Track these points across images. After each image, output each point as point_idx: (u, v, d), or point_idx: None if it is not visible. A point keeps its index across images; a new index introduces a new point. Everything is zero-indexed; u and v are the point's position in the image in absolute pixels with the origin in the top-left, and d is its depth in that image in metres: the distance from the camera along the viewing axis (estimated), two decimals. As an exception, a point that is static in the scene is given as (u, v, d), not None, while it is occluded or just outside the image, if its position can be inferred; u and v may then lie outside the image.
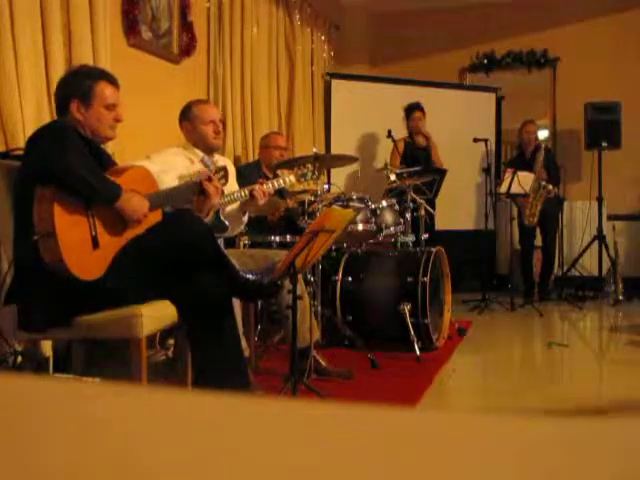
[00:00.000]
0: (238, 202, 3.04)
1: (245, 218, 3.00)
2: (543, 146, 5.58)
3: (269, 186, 2.91)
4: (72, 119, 2.20)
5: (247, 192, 2.85)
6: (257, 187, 2.84)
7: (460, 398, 3.02)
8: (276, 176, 3.49)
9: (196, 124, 2.95)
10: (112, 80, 2.28)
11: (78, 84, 2.22)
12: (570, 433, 0.29)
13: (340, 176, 5.83)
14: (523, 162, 5.66)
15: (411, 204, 4.01)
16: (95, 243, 2.05)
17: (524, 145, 5.79)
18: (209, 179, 2.49)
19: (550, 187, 5.45)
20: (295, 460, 0.27)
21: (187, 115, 2.99)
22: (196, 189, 2.47)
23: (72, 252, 1.96)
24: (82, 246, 2.02)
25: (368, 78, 6.40)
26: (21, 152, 2.23)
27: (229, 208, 3.02)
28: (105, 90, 2.24)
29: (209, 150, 2.98)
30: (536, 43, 6.53)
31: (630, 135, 5.82)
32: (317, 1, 5.95)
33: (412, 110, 5.29)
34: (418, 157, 5.18)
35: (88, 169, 2.02)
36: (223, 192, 2.80)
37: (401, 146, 5.16)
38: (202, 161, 2.94)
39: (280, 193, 3.72)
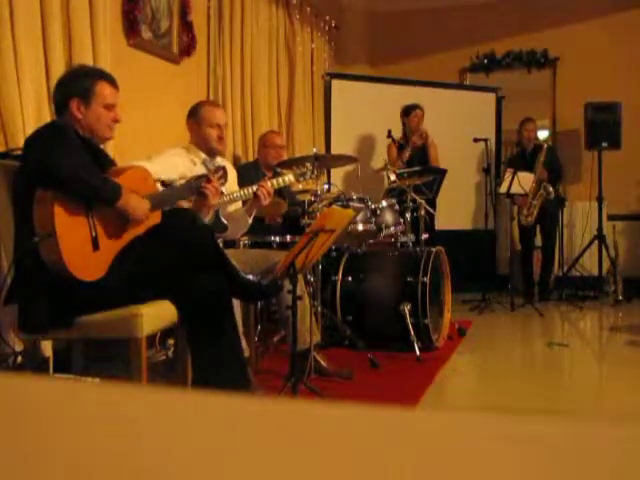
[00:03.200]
0: (240, 203, 3.05)
1: (250, 220, 3.01)
2: (545, 146, 5.56)
3: (272, 183, 2.92)
4: (71, 118, 2.20)
5: (250, 191, 2.85)
6: (261, 187, 2.84)
7: (460, 398, 3.02)
8: (276, 175, 3.50)
9: (202, 125, 2.95)
10: (111, 80, 2.29)
11: (78, 83, 2.22)
12: (569, 433, 0.29)
13: (340, 176, 5.83)
14: (523, 161, 5.65)
15: (411, 204, 4.01)
16: (95, 244, 2.05)
17: (524, 143, 5.78)
18: (208, 180, 2.50)
19: (550, 189, 5.44)
20: (295, 460, 0.27)
21: (195, 114, 3.00)
22: (195, 190, 2.47)
23: (72, 254, 1.96)
24: (82, 248, 2.02)
25: (368, 78, 6.40)
26: (21, 152, 2.23)
27: (232, 209, 3.03)
28: (104, 90, 2.24)
29: (211, 153, 2.99)
30: (536, 43, 6.53)
31: (630, 135, 5.81)
32: (317, 1, 5.94)
33: (413, 108, 5.25)
34: (414, 156, 5.16)
35: (87, 170, 2.02)
36: (222, 192, 2.81)
37: (393, 150, 5.15)
38: (204, 163, 2.95)
39: (280, 193, 3.72)
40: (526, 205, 5.49)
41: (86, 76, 2.24)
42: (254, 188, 2.86)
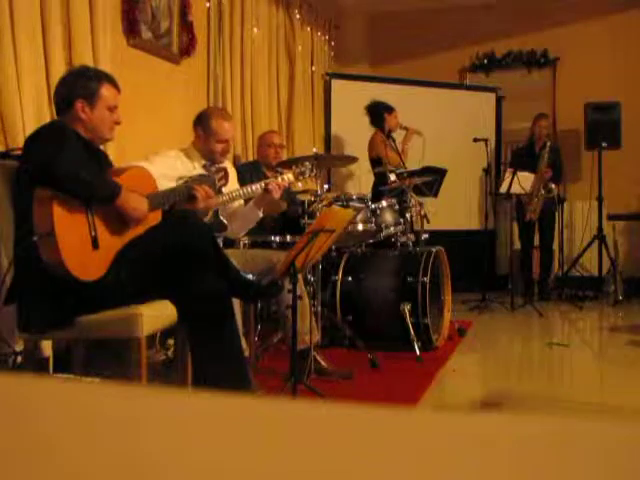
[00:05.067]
0: (242, 201, 3.06)
1: (261, 214, 3.02)
2: (549, 145, 5.55)
3: (283, 179, 2.94)
4: (74, 118, 2.21)
5: (251, 190, 2.87)
6: (272, 181, 2.88)
7: (460, 398, 3.02)
8: (276, 174, 3.50)
9: (210, 138, 2.94)
10: (114, 83, 2.31)
11: (84, 85, 2.23)
12: (570, 433, 0.29)
13: (340, 176, 5.83)
14: (530, 155, 5.65)
15: (411, 204, 4.01)
16: (95, 244, 2.05)
17: (535, 139, 5.77)
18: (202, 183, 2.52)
19: (552, 186, 5.44)
20: (295, 460, 0.27)
21: (204, 124, 2.97)
22: (191, 191, 2.47)
23: (72, 253, 1.96)
24: (82, 246, 2.02)
25: (368, 78, 6.40)
26: (20, 152, 2.23)
27: (236, 205, 3.03)
28: (109, 92, 2.26)
29: (212, 161, 3.00)
30: (536, 43, 6.53)
31: (630, 135, 5.81)
32: (317, 1, 5.94)
33: (390, 109, 5.15)
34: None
35: (86, 169, 2.03)
36: (222, 192, 2.81)
37: (381, 139, 5.06)
38: (204, 167, 2.95)
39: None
40: (531, 200, 5.48)
41: (91, 78, 2.26)
42: (262, 184, 2.88)
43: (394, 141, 5.02)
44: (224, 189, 2.87)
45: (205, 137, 2.96)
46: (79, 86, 2.23)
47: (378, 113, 5.10)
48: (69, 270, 1.95)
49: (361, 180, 5.76)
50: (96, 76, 2.28)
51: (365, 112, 5.13)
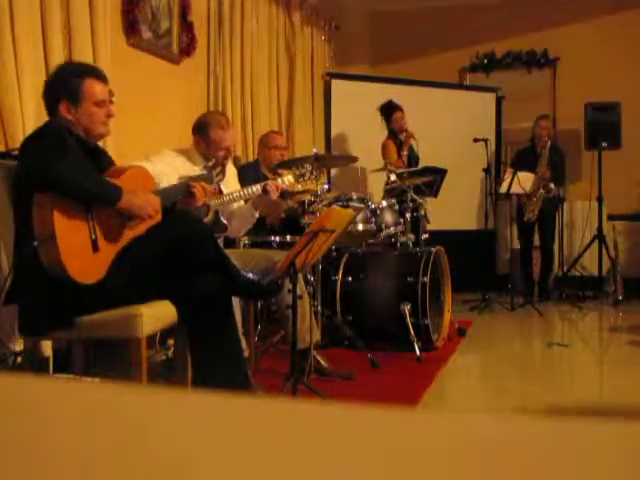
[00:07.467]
0: (242, 202, 3.06)
1: (257, 214, 3.03)
2: (549, 144, 5.55)
3: (283, 181, 2.94)
4: (64, 119, 2.17)
5: (251, 191, 2.88)
6: (270, 182, 2.88)
7: (460, 398, 3.02)
8: (276, 175, 3.50)
9: (211, 147, 2.92)
10: (99, 75, 2.21)
11: (64, 84, 2.16)
12: (570, 434, 0.29)
13: (340, 176, 5.83)
14: (533, 156, 5.64)
15: (411, 204, 4.01)
16: (95, 247, 2.05)
17: (536, 140, 5.77)
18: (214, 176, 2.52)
19: (552, 186, 5.44)
20: (295, 460, 0.27)
21: (203, 133, 2.94)
22: (188, 188, 2.47)
23: (72, 256, 1.96)
24: (82, 250, 2.01)
25: (368, 78, 6.40)
26: (18, 153, 2.21)
27: (236, 206, 3.04)
28: (93, 87, 2.17)
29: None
30: (536, 43, 6.52)
31: (630, 135, 5.81)
32: (317, 1, 5.95)
33: (393, 110, 5.16)
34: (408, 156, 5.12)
35: (85, 174, 2.00)
36: (221, 191, 2.81)
37: (393, 149, 5.08)
38: (205, 167, 2.95)
39: (281, 193, 3.72)
40: (529, 201, 5.49)
41: (72, 75, 2.17)
42: (260, 186, 2.89)
43: (401, 143, 5.03)
44: (224, 189, 2.87)
45: (206, 145, 2.95)
46: (60, 86, 2.15)
47: (383, 116, 5.13)
48: (70, 274, 1.94)
49: (367, 180, 5.77)
50: (76, 72, 2.19)
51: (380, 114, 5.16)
